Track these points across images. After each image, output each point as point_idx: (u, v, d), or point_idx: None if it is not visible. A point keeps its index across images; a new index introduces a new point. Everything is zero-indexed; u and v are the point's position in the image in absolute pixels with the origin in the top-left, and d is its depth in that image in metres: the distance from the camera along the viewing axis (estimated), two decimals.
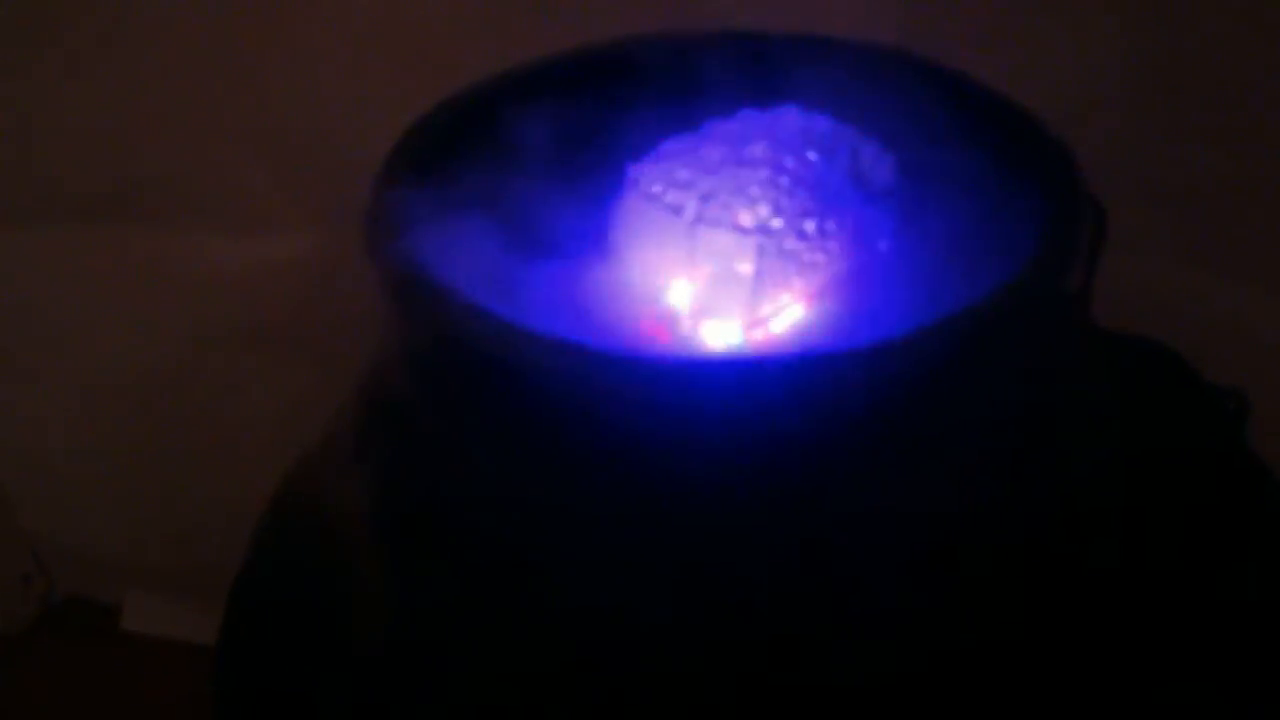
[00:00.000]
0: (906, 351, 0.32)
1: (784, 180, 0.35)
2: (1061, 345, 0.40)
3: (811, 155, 0.36)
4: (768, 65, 0.42)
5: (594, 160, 0.40)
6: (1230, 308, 0.55)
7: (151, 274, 0.69)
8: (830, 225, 0.35)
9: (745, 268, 0.35)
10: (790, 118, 0.38)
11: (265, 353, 0.71)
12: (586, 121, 0.42)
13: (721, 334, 0.36)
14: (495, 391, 0.33)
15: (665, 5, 0.48)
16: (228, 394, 0.73)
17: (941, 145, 0.39)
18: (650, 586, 0.33)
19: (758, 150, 0.36)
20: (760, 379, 0.30)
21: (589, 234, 0.38)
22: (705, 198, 0.35)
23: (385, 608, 0.36)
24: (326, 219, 0.64)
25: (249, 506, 0.50)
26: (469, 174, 0.40)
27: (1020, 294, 0.32)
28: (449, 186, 0.40)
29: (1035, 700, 0.35)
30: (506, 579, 0.34)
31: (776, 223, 0.35)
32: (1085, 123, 0.54)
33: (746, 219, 0.35)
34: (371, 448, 0.39)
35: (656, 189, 0.36)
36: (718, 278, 0.35)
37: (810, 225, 0.35)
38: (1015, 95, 0.42)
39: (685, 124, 0.39)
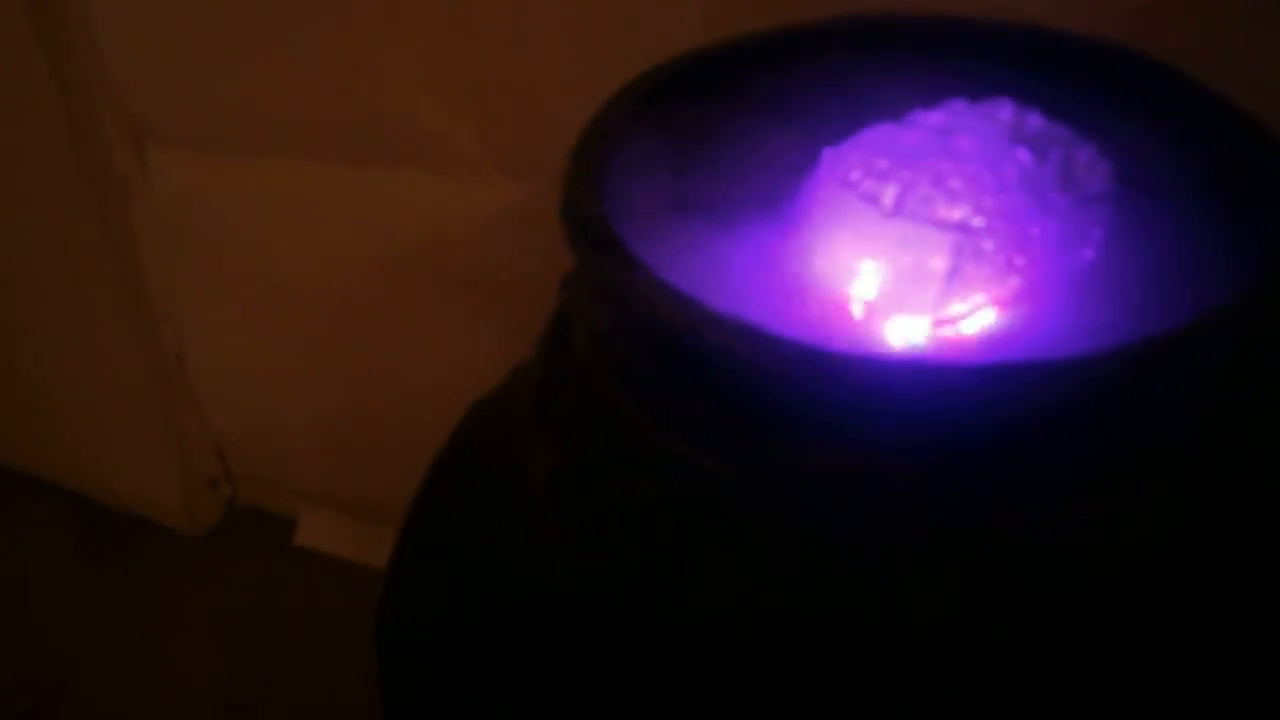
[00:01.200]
0: (1093, 369, 0.31)
1: (989, 178, 0.34)
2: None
3: (1021, 154, 0.35)
4: (986, 54, 0.40)
5: (811, 131, 0.39)
6: None
7: (361, 209, 0.72)
8: (1034, 230, 0.34)
9: (939, 264, 0.34)
10: (1002, 112, 0.36)
11: (459, 296, 0.73)
12: (804, 94, 0.41)
13: (905, 331, 0.35)
14: (672, 367, 0.33)
15: None
16: (418, 330, 0.76)
17: (1163, 153, 0.37)
18: (807, 577, 0.33)
19: (963, 144, 0.35)
20: (942, 384, 0.30)
21: (785, 211, 0.38)
22: (904, 188, 0.34)
23: (550, 562, 0.37)
24: (534, 174, 0.65)
25: (427, 440, 0.52)
26: (674, 139, 0.40)
27: (1223, 329, 0.31)
28: (653, 150, 0.40)
29: None
30: (667, 550, 0.34)
31: (977, 221, 0.34)
32: None
33: (945, 214, 0.34)
34: (549, 406, 0.39)
35: (855, 175, 0.35)
36: (908, 272, 0.34)
37: (1012, 228, 0.34)
38: (1246, 102, 0.40)
39: (890, 110, 0.38)
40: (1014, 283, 0.34)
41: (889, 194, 0.34)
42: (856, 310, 0.36)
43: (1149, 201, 0.36)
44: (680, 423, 0.34)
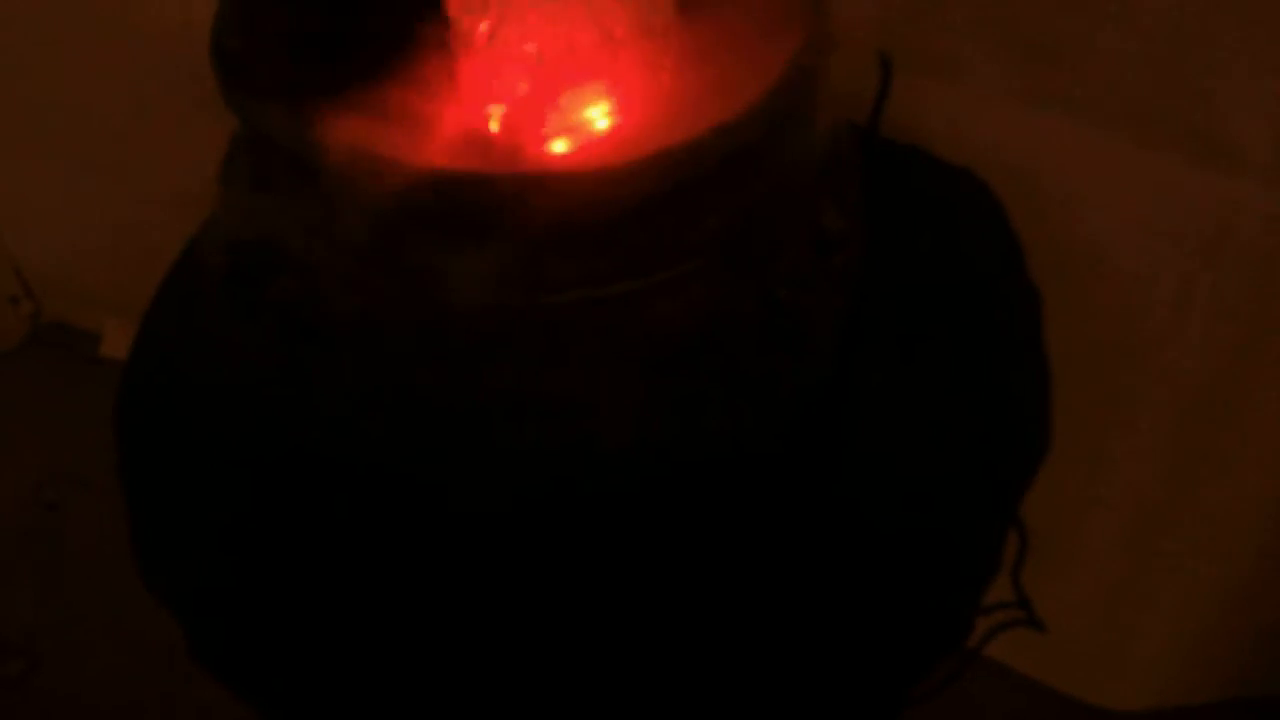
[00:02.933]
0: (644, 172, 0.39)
1: (566, 19, 0.41)
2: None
3: None
4: None
5: None
6: (1060, 152, 0.61)
7: (113, 28, 0.75)
8: (602, 60, 0.41)
9: (524, 88, 0.41)
10: None
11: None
12: None
13: (505, 147, 0.42)
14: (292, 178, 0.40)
15: None
16: (190, 143, 0.80)
17: None
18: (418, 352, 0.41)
19: None
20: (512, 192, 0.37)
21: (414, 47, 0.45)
22: (495, 26, 0.41)
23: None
24: None
25: None
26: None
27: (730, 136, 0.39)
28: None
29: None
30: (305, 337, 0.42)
31: (552, 58, 0.41)
32: None
33: (531, 47, 0.41)
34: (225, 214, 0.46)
35: (457, 11, 0.42)
36: (504, 95, 0.42)
37: (592, 57, 0.41)
38: None
39: None
40: (593, 106, 0.42)
41: (483, 29, 0.41)
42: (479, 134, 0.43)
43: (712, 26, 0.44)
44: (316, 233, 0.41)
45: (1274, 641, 0.74)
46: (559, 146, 0.43)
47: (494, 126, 0.44)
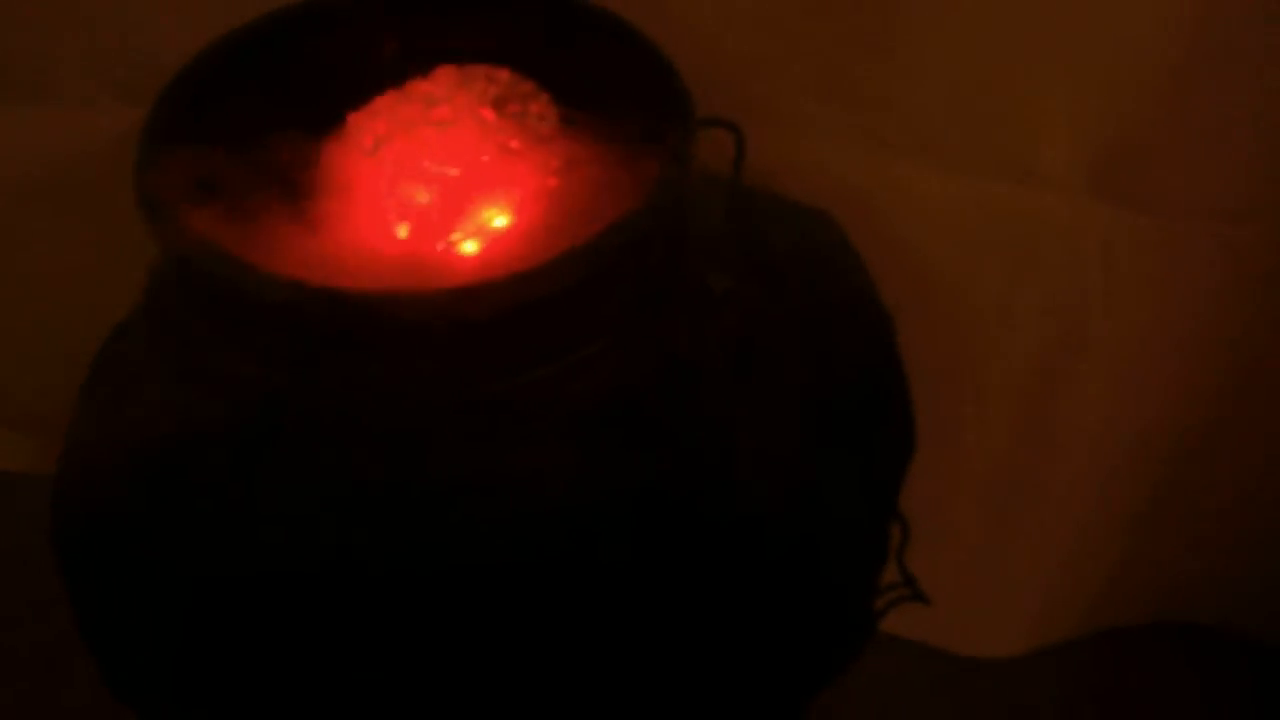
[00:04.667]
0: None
1: (463, 138, 0.46)
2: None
3: (486, 113, 0.47)
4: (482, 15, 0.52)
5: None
6: (888, 184, 0.69)
7: None
8: (500, 172, 0.47)
9: (425, 202, 0.47)
10: (477, 73, 0.49)
11: (65, 218, 0.79)
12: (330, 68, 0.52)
13: (408, 257, 0.47)
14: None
15: None
16: (53, 256, 0.81)
17: (594, 81, 0.50)
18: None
19: (443, 112, 0.47)
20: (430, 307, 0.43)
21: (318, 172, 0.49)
22: (400, 152, 0.46)
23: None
24: (120, 92, 0.72)
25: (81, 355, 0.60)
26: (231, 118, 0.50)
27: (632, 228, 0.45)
28: (214, 129, 0.50)
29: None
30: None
31: (453, 172, 0.46)
32: (754, 37, 0.66)
33: (431, 169, 0.46)
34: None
35: (367, 141, 0.47)
36: (409, 213, 0.47)
37: (482, 173, 0.47)
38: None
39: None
40: (493, 211, 0.47)
41: (390, 155, 0.46)
42: (395, 236, 0.48)
43: (589, 123, 0.50)
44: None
45: (1112, 582, 0.85)
46: (467, 249, 0.48)
47: (402, 234, 0.49)
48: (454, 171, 0.46)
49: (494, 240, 0.48)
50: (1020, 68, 0.64)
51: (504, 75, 0.49)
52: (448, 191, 0.47)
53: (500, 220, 0.48)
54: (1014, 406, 0.74)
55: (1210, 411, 0.73)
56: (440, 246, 0.47)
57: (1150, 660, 0.87)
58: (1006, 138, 0.66)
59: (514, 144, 0.47)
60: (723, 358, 0.51)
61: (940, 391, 0.64)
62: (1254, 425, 0.74)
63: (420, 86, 0.48)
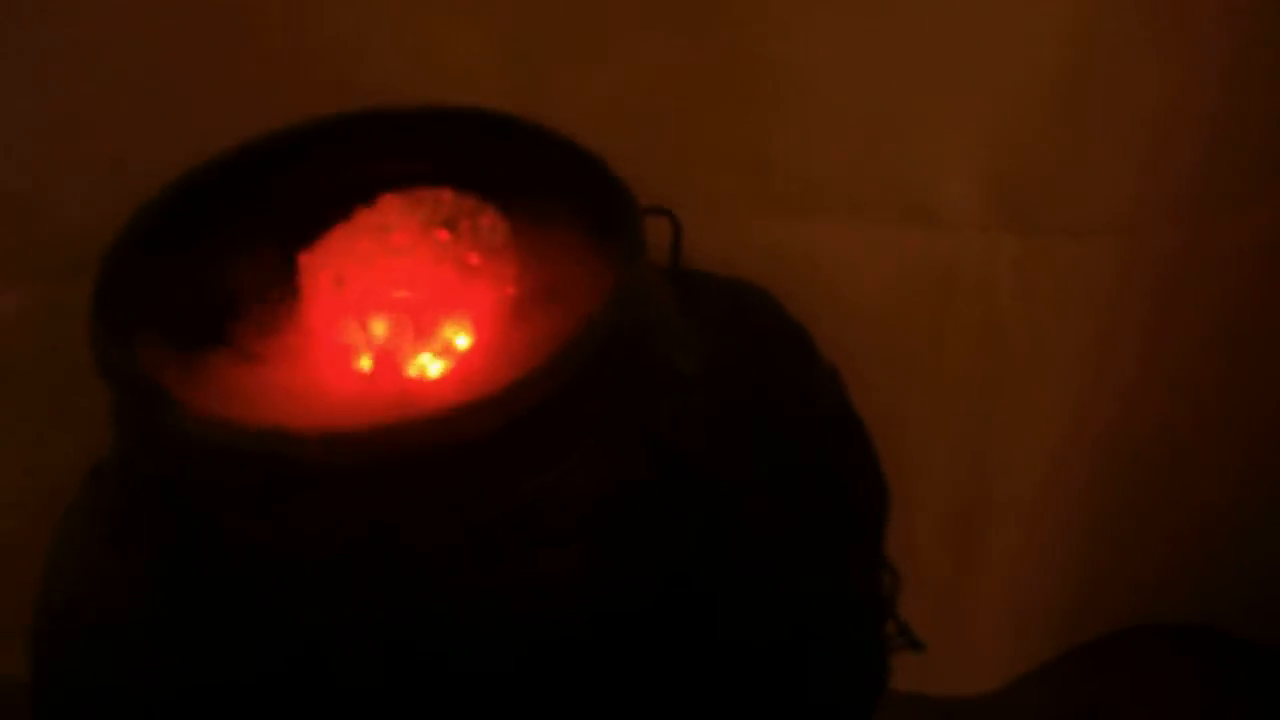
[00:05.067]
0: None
1: (422, 260, 0.46)
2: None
3: (441, 234, 0.47)
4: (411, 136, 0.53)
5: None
6: (805, 244, 0.71)
7: None
8: (463, 289, 0.47)
9: (401, 334, 0.46)
10: (423, 198, 0.49)
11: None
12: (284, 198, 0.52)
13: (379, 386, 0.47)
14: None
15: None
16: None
17: (527, 188, 0.51)
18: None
19: (399, 239, 0.47)
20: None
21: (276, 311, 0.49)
22: (362, 284, 0.46)
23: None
24: (47, 275, 0.69)
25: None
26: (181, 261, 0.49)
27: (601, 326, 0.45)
28: (165, 275, 0.49)
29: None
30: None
31: (419, 296, 0.46)
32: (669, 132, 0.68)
33: (396, 295, 0.46)
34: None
35: (324, 277, 0.46)
36: (373, 342, 0.47)
37: (448, 290, 0.47)
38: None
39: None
40: (461, 323, 0.47)
41: (354, 290, 0.46)
42: (361, 366, 0.47)
43: (539, 235, 0.50)
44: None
45: (1078, 597, 0.87)
46: (435, 371, 0.48)
47: (366, 365, 0.48)
48: (419, 295, 0.46)
49: (462, 358, 0.48)
50: (913, 115, 0.67)
51: (447, 195, 0.49)
52: (413, 317, 0.46)
53: (464, 338, 0.48)
54: (959, 436, 0.76)
55: (1150, 412, 0.77)
56: (412, 371, 0.47)
57: (1129, 665, 0.89)
58: (909, 184, 0.69)
59: (472, 259, 0.47)
60: (705, 438, 0.51)
61: (886, 434, 0.66)
62: (1194, 422, 0.78)
63: (368, 217, 0.48)
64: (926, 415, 0.75)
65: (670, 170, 0.69)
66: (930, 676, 0.87)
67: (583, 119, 0.55)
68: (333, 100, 0.57)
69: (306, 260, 0.48)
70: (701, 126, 0.69)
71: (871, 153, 0.68)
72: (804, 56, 0.66)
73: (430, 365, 0.48)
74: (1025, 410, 0.75)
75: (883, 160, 0.68)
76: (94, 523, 0.56)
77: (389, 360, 0.48)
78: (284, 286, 0.50)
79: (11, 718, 0.57)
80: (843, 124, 0.68)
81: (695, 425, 0.51)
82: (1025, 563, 0.83)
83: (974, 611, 0.85)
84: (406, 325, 0.46)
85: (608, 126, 0.57)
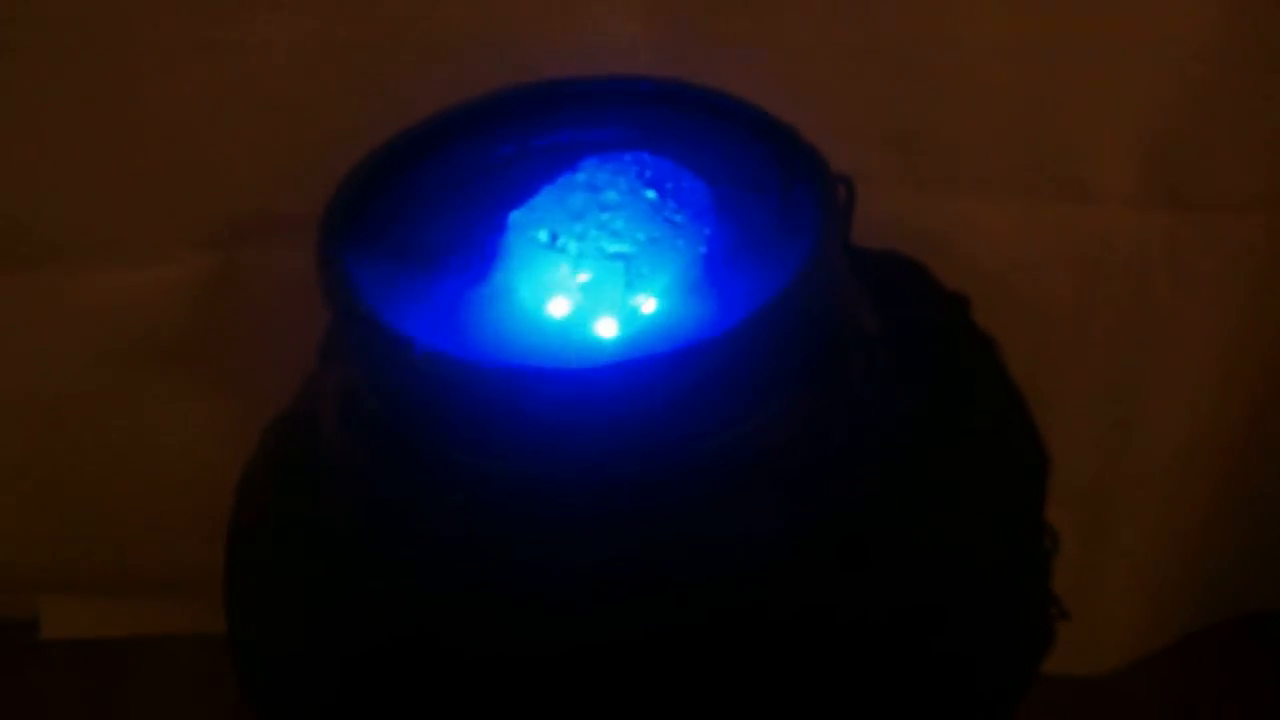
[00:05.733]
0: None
1: (635, 215, 0.49)
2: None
3: (650, 193, 0.49)
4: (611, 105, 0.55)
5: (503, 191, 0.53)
6: (952, 220, 0.72)
7: (46, 309, 0.75)
8: (673, 242, 0.49)
9: (617, 284, 0.48)
10: (627, 162, 0.51)
11: (164, 375, 0.78)
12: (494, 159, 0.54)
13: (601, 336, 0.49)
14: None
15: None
16: (130, 414, 0.81)
17: (730, 160, 0.53)
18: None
19: (611, 197, 0.49)
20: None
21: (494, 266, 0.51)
22: (579, 237, 0.48)
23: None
24: (211, 243, 0.73)
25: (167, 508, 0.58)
26: (398, 219, 0.51)
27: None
28: (382, 232, 0.51)
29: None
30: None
31: (633, 248, 0.48)
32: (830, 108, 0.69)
33: (611, 249, 0.48)
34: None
35: (541, 235, 0.49)
36: (596, 293, 0.49)
37: (657, 244, 0.49)
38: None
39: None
40: (669, 276, 0.49)
41: (571, 243, 0.48)
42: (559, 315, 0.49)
43: (734, 199, 0.52)
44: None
45: (1199, 581, 0.87)
46: (638, 319, 0.50)
47: (567, 317, 0.50)
48: (630, 249, 0.48)
49: (661, 312, 0.50)
50: (1065, 91, 0.68)
51: (646, 158, 0.51)
52: (626, 269, 0.49)
53: (665, 292, 0.50)
54: (1101, 411, 0.77)
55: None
56: (617, 322, 0.49)
57: (1254, 650, 0.89)
58: (1062, 159, 0.70)
59: (678, 218, 0.50)
60: (887, 392, 0.53)
61: (1034, 400, 0.67)
62: None
63: (575, 178, 0.50)
64: (1070, 389, 0.76)
65: (820, 144, 0.70)
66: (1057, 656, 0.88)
67: (736, 92, 0.57)
68: (509, 73, 0.60)
69: (519, 218, 0.50)
70: (854, 101, 0.70)
71: (1024, 129, 0.69)
72: (959, 32, 0.67)
73: (638, 312, 0.50)
74: (1170, 386, 0.76)
75: (1035, 136, 0.69)
76: (282, 475, 0.58)
77: (596, 308, 0.50)
78: (485, 245, 0.52)
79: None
80: (995, 100, 0.69)
81: (880, 383, 0.53)
82: (1156, 543, 0.83)
83: (1098, 591, 0.86)
84: (619, 277, 0.48)
85: (761, 100, 0.58)
